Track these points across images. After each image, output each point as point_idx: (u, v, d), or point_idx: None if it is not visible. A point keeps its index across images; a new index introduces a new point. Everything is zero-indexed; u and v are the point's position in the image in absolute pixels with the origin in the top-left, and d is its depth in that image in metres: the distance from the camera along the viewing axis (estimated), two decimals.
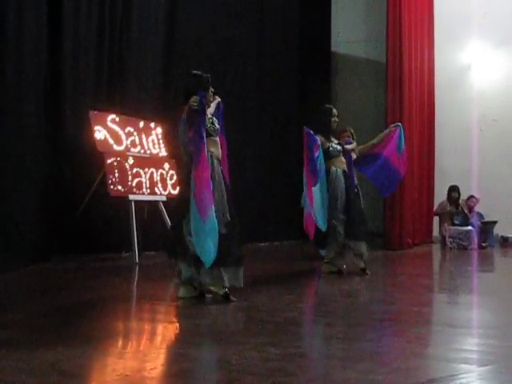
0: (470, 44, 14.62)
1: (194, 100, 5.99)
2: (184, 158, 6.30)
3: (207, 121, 6.21)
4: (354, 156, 9.52)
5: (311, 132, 8.15)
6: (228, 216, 6.15)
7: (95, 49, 10.19)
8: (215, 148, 6.30)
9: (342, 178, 8.41)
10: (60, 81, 9.67)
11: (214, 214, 5.88)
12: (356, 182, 10.12)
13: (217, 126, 6.37)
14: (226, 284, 6.09)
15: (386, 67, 13.17)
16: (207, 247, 5.87)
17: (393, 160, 9.66)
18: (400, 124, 9.86)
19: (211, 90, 6.41)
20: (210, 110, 6.41)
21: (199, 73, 6.40)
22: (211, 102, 6.46)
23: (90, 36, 10.11)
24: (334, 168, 8.41)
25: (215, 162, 6.24)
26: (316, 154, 8.05)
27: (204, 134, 6.03)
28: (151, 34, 11.22)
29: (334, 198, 8.23)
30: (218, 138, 6.38)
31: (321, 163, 8.16)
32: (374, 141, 9.79)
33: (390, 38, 13.09)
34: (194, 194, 5.90)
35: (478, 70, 14.64)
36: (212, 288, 6.16)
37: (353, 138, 9.78)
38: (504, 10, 14.32)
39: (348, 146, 9.01)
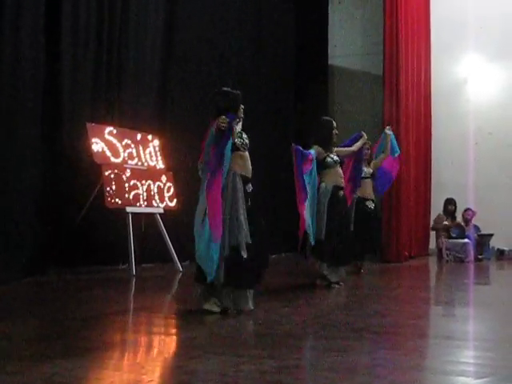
0: (466, 57, 14.68)
1: (222, 120, 5.96)
2: (201, 174, 6.26)
3: (236, 135, 6.24)
4: (367, 169, 10.17)
5: (300, 148, 8.06)
6: (249, 238, 6.14)
7: (93, 59, 10.17)
8: (241, 163, 6.32)
9: (329, 194, 8.29)
10: (58, 91, 9.63)
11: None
12: (369, 195, 10.31)
13: (246, 140, 6.41)
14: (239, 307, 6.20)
15: (382, 80, 13.21)
16: (210, 264, 5.95)
17: (385, 164, 10.60)
18: (389, 128, 10.74)
19: (242, 106, 6.45)
20: (239, 128, 6.46)
21: (230, 90, 6.47)
22: (242, 118, 6.51)
23: (88, 47, 10.09)
24: (323, 184, 8.32)
25: (237, 179, 6.23)
26: (306, 170, 8.01)
27: (223, 161, 6.01)
28: (149, 46, 11.24)
29: (319, 214, 8.23)
30: (246, 153, 6.40)
31: (313, 177, 8.15)
32: (384, 154, 10.45)
33: (386, 50, 13.13)
34: (208, 215, 5.93)
35: (474, 84, 14.70)
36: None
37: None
38: (499, 24, 14.37)
39: (349, 149, 9.00)
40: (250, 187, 6.35)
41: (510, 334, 5.67)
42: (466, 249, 13.05)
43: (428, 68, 14.56)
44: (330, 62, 15.96)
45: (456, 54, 14.74)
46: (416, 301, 7.58)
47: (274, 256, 13.14)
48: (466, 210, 13.68)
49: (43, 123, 9.20)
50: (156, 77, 11.41)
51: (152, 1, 11.34)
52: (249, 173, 6.38)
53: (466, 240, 13.22)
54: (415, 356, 4.54)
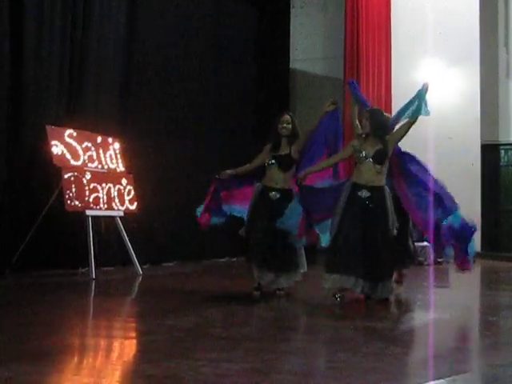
0: (425, 62, 14.83)
1: None
2: None
3: (356, 151, 7.28)
4: None
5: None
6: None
7: (57, 60, 10.05)
8: (357, 174, 7.28)
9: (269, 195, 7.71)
10: (19, 94, 9.54)
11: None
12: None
13: (363, 154, 7.23)
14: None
15: (343, 84, 13.30)
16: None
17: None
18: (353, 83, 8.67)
19: (367, 120, 7.43)
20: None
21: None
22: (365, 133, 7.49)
23: (52, 50, 9.97)
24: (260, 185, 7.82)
25: (350, 187, 7.23)
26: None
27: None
28: (111, 49, 11.16)
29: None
30: (366, 163, 7.23)
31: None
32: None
33: (347, 54, 13.27)
34: None
35: (434, 88, 14.80)
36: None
37: None
38: (458, 29, 14.55)
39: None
40: (363, 193, 7.16)
41: (469, 336, 5.75)
42: (426, 252, 13.15)
43: (388, 72, 14.68)
44: (291, 65, 16.04)
45: (416, 59, 14.88)
46: (374, 304, 7.59)
47: (234, 259, 13.16)
48: None
49: (2, 126, 9.13)
50: (117, 79, 11.34)
51: (115, 2, 11.28)
52: (363, 180, 7.20)
53: (426, 243, 13.32)
54: (372, 359, 4.57)
